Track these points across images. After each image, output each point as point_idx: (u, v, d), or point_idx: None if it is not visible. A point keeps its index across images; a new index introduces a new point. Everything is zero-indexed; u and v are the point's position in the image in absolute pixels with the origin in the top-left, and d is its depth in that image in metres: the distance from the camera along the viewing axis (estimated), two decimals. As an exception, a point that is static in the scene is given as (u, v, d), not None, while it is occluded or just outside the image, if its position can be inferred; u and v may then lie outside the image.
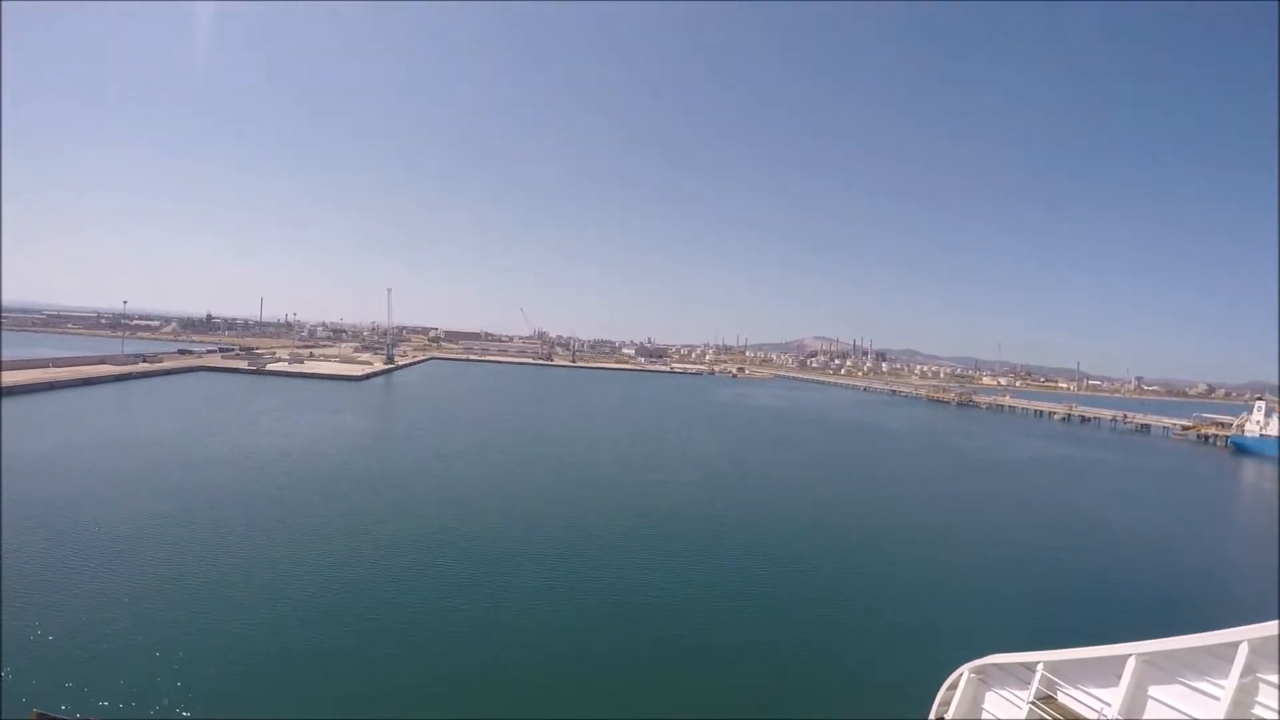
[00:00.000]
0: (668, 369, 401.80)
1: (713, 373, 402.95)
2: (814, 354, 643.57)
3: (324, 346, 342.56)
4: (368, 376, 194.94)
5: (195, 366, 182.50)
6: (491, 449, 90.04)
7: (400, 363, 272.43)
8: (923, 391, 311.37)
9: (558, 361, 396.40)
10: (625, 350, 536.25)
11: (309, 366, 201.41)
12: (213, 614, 34.54)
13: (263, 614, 35.01)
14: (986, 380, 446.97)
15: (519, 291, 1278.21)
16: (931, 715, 16.68)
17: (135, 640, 31.26)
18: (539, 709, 28.33)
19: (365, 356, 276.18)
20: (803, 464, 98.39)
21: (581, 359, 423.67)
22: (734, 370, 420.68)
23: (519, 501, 61.99)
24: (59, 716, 13.38)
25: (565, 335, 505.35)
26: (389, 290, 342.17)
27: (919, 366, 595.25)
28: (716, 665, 33.41)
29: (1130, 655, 12.23)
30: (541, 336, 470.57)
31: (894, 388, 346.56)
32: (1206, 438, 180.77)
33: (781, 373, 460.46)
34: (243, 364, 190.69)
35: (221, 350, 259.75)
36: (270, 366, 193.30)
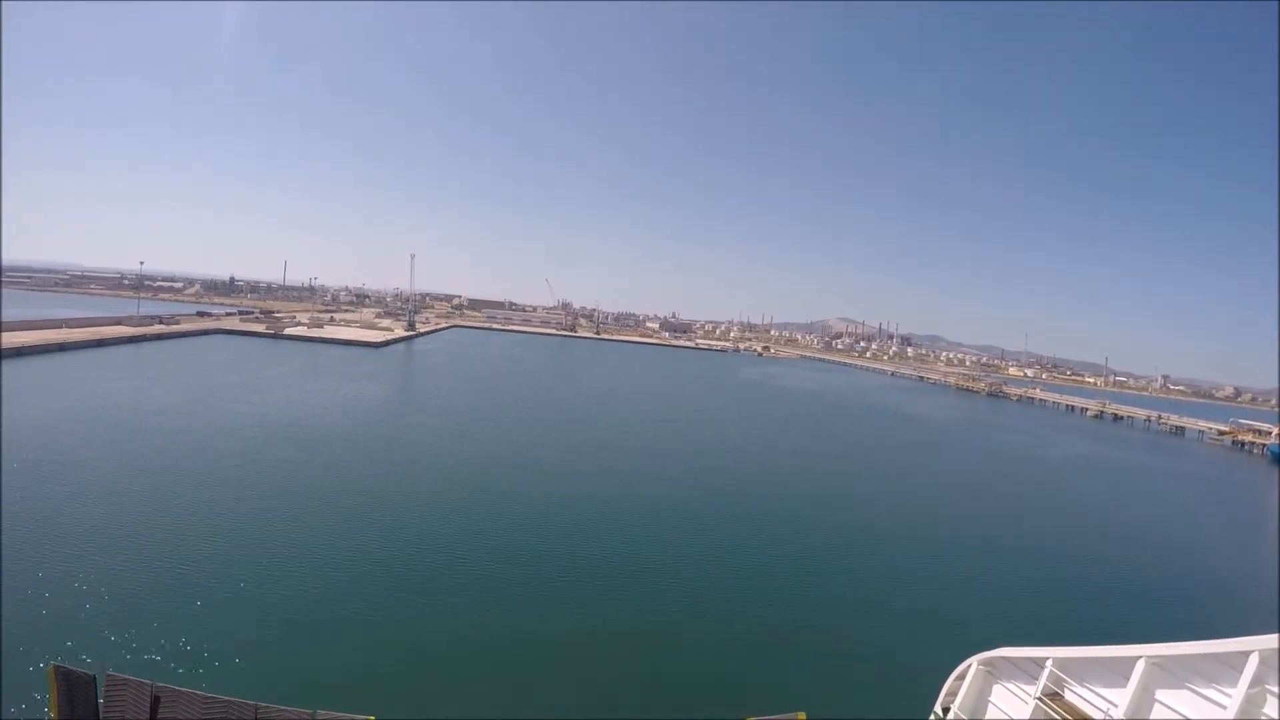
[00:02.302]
0: (692, 344, 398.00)
1: (737, 350, 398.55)
2: (838, 335, 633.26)
3: (345, 311, 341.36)
4: (387, 343, 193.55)
5: (211, 329, 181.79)
6: (511, 422, 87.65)
7: (422, 330, 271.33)
8: (950, 379, 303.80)
9: (581, 333, 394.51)
10: (649, 324, 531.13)
11: (328, 331, 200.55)
12: (218, 575, 35.70)
13: (267, 575, 36.31)
14: (1013, 370, 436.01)
15: (544, 262, 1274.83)
16: (938, 706, 16.67)
17: (143, 598, 32.58)
18: (537, 686, 28.75)
19: (386, 323, 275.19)
20: (831, 451, 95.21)
21: (605, 331, 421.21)
22: (759, 349, 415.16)
23: (535, 477, 60.88)
24: (77, 669, 13.39)
25: (589, 306, 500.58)
26: (412, 256, 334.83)
27: (944, 353, 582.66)
28: (722, 649, 33.51)
29: (1140, 657, 12.25)
30: (565, 307, 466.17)
31: (921, 374, 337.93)
32: (1242, 444, 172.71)
33: (807, 353, 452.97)
34: (260, 327, 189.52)
35: (241, 313, 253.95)
36: (288, 330, 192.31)
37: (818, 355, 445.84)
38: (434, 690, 27.67)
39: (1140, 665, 12.28)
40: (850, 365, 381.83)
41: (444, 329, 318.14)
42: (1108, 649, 13.11)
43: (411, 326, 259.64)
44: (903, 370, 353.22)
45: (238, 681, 26.12)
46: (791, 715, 13.38)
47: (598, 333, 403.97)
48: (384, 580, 37.11)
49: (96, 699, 13.11)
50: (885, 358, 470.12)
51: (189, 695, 13.19)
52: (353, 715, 12.58)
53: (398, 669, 28.98)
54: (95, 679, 13.03)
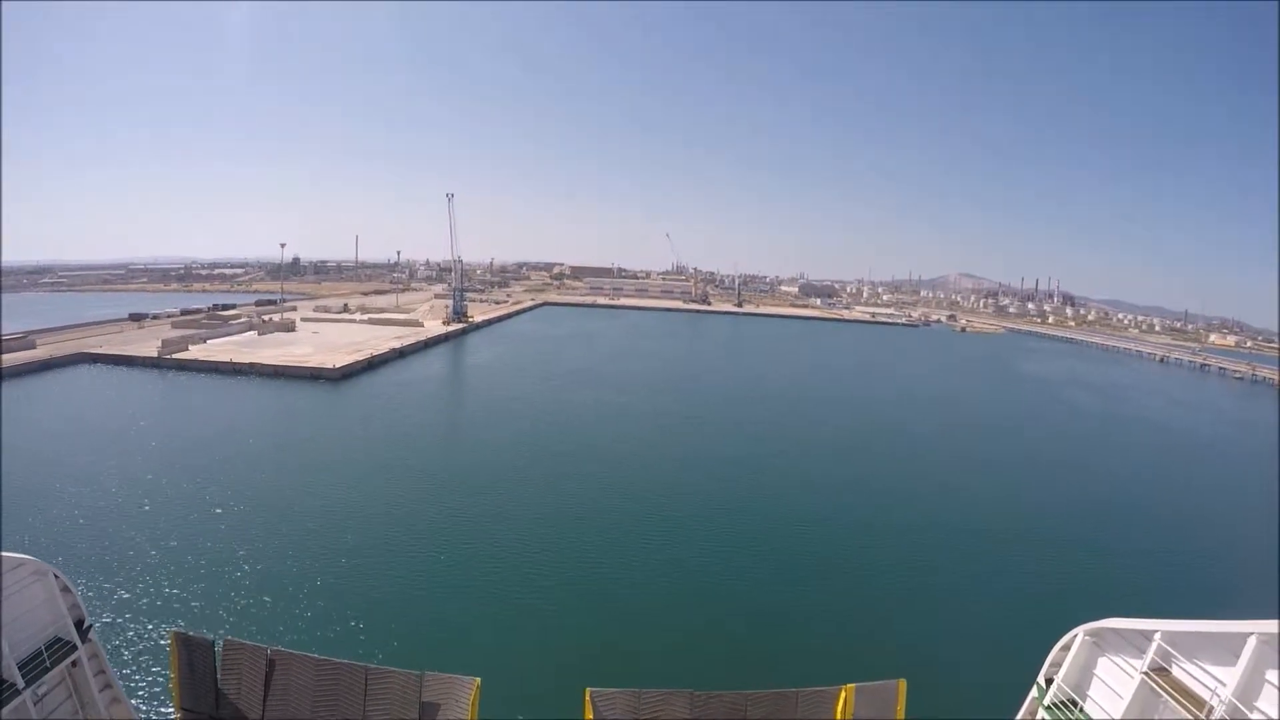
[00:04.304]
0: (869, 318, 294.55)
1: (927, 323, 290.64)
2: (990, 295, 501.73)
3: (383, 294, 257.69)
4: (351, 374, 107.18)
5: (74, 355, 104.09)
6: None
7: (485, 316, 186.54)
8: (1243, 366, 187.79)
9: (717, 306, 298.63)
10: (784, 289, 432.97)
11: (261, 351, 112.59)
12: (328, 551, 42.51)
13: (375, 550, 43.02)
14: (1215, 339, 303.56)
15: (648, 225, 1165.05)
16: (1041, 677, 16.03)
17: (259, 572, 39.24)
18: (635, 652, 33.12)
19: (425, 307, 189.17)
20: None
21: (749, 301, 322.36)
22: (963, 322, 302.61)
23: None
24: (196, 635, 15.50)
25: (706, 269, 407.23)
26: (449, 196, 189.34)
27: (1118, 316, 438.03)
28: (825, 618, 37.50)
29: (1251, 634, 11.59)
30: (692, 274, 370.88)
31: (1175, 350, 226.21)
32: None
33: (1007, 323, 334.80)
34: (152, 349, 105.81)
35: (259, 302, 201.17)
36: (210, 343, 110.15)
37: (1012, 325, 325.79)
38: (536, 653, 32.12)
39: (1251, 643, 11.52)
40: (1072, 339, 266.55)
41: (528, 309, 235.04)
42: (1218, 624, 12.29)
43: (459, 315, 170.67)
44: (1145, 349, 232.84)
45: (349, 646, 31.39)
46: (892, 682, 14.77)
47: (739, 305, 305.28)
48: (485, 551, 43.45)
49: (215, 663, 15.18)
50: (1072, 323, 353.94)
51: (302, 658, 15.13)
52: (459, 675, 14.38)
53: (501, 633, 33.84)
54: (214, 644, 15.33)
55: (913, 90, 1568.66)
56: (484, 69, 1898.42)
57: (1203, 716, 11.96)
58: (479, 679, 14.29)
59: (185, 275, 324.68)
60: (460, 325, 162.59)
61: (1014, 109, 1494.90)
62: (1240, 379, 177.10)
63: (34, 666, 15.74)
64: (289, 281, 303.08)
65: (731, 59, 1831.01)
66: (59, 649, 16.56)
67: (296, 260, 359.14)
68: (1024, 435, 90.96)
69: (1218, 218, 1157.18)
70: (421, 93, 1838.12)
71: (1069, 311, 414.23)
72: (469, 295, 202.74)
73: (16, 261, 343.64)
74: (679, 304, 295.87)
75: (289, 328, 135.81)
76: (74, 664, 17.06)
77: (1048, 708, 15.44)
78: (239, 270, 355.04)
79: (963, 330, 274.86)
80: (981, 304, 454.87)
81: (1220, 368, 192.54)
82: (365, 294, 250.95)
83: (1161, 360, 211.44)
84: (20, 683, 15.22)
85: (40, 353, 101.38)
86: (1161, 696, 12.92)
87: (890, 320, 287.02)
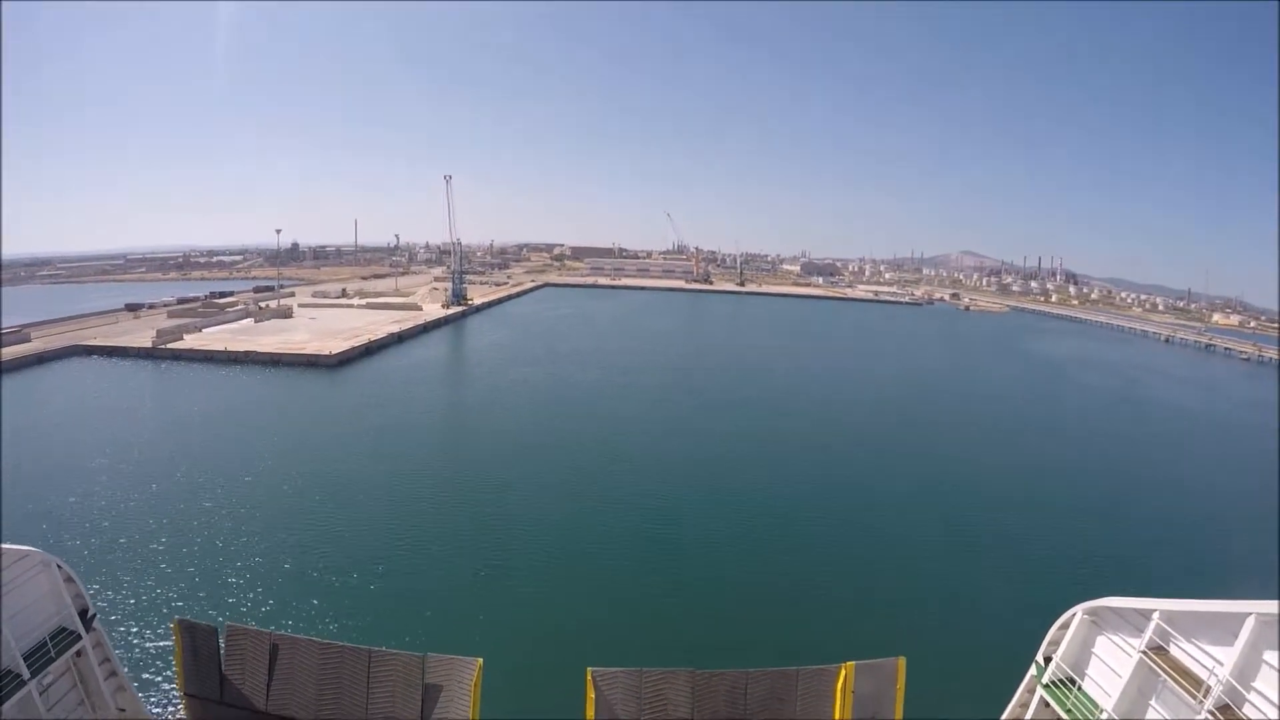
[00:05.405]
0: (872, 296, 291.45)
1: (930, 302, 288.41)
2: (993, 273, 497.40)
3: (384, 278, 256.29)
4: (345, 359, 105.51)
5: (65, 348, 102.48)
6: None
7: (484, 298, 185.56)
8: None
9: (719, 285, 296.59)
10: (786, 267, 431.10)
11: (257, 339, 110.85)
12: (328, 535, 42.91)
13: (376, 534, 43.25)
14: (1218, 319, 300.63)
15: (648, 205, 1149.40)
16: (1039, 655, 16.09)
17: (261, 557, 39.55)
18: (638, 632, 33.51)
19: (424, 291, 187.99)
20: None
21: (751, 280, 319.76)
22: (966, 301, 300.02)
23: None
24: (199, 622, 15.59)
25: (707, 249, 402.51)
26: (447, 178, 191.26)
27: (1121, 295, 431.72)
28: (824, 596, 37.72)
29: (1250, 614, 11.57)
30: (693, 253, 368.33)
31: (1153, 328, 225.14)
32: None
33: (1010, 302, 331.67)
34: (146, 339, 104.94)
35: (256, 289, 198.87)
36: (206, 331, 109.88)
37: (1021, 304, 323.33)
38: (538, 633, 32.46)
39: (1250, 623, 11.47)
40: (1086, 320, 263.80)
41: (522, 292, 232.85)
42: (1216, 603, 12.35)
43: (459, 298, 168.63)
44: (1150, 329, 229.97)
45: (351, 629, 31.84)
46: (892, 660, 14.79)
47: (741, 283, 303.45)
48: (486, 533, 43.74)
49: (218, 649, 15.26)
50: (1075, 302, 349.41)
51: (306, 643, 15.32)
52: (461, 656, 14.42)
53: (503, 614, 34.12)
54: (217, 630, 15.40)
55: (911, 71, 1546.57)
56: (482, 53, 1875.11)
57: (1200, 696, 12.01)
58: (481, 659, 14.40)
59: (184, 264, 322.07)
60: (460, 308, 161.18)
61: (1013, 90, 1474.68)
62: (1246, 359, 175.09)
63: (39, 657, 15.89)
64: (288, 267, 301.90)
65: (729, 45, 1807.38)
66: (64, 639, 16.76)
67: (295, 246, 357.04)
68: (1029, 414, 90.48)
69: (1218, 197, 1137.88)
70: (418, 76, 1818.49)
71: (1072, 290, 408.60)
72: (469, 277, 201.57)
73: (15, 254, 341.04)
74: (681, 284, 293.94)
75: (286, 314, 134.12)
76: (79, 654, 17.21)
77: (1046, 686, 15.58)
78: (238, 257, 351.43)
79: (966, 309, 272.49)
80: (984, 282, 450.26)
81: (1226, 348, 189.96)
82: (364, 278, 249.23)
83: (1166, 340, 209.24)
84: (25, 673, 15.31)
85: (35, 346, 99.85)
86: (1159, 675, 13.05)
87: (894, 299, 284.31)
